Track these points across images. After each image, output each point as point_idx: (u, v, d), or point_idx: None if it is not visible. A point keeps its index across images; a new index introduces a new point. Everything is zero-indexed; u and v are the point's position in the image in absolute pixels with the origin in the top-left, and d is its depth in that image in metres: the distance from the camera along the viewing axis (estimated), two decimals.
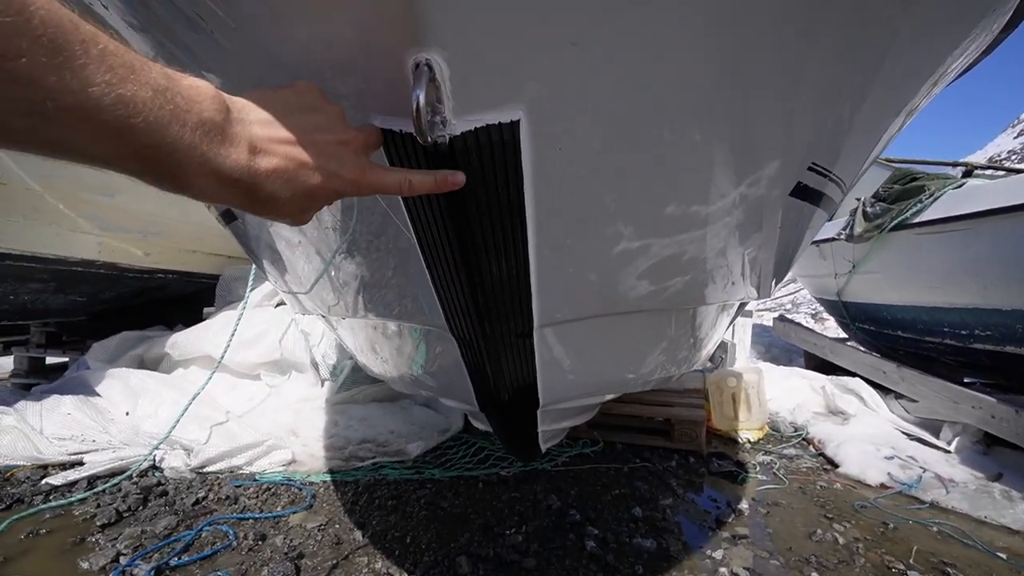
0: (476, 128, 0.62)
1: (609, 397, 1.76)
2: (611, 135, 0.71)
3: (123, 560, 1.90)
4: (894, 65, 0.97)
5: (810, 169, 1.11)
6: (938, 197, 3.26)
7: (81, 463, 2.66)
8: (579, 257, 0.90)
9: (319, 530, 2.18)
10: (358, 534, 2.16)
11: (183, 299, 4.47)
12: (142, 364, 3.67)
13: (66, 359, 4.31)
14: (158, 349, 3.56)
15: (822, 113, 0.95)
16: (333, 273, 1.18)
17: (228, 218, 1.58)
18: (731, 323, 2.14)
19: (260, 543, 2.06)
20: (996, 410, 2.92)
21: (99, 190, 3.05)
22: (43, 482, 2.49)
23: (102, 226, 3.25)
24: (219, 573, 1.83)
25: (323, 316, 1.74)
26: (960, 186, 3.26)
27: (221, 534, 2.11)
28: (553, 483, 2.72)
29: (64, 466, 2.66)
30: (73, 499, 2.36)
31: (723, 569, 1.98)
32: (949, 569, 2.04)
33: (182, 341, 3.45)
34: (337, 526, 2.23)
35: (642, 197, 0.84)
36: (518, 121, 0.63)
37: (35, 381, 3.89)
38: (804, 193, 1.22)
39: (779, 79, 0.78)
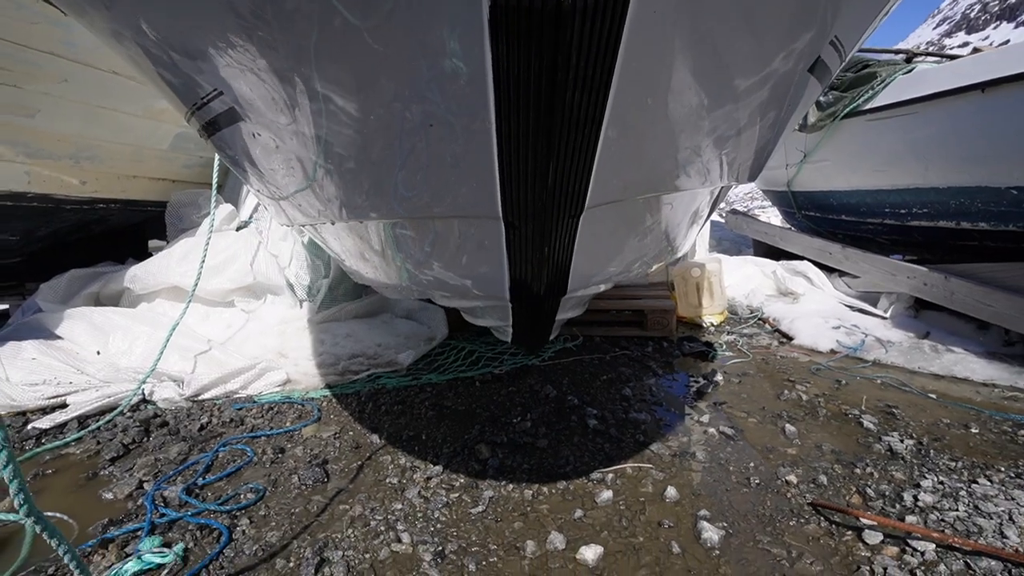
0: None
1: (615, 282, 1.84)
2: (697, 4, 0.71)
3: (147, 487, 1.91)
4: None
5: (830, 43, 1.14)
6: (889, 82, 3.41)
7: (64, 405, 2.56)
8: (639, 134, 0.91)
9: (335, 438, 2.25)
10: (374, 437, 2.25)
11: (129, 231, 4.11)
12: (98, 302, 3.45)
13: (5, 306, 3.99)
14: (115, 285, 3.34)
15: None
16: (359, 168, 1.14)
17: (211, 129, 1.46)
18: (717, 204, 2.24)
19: (280, 455, 2.12)
20: (928, 278, 3.28)
21: (16, 109, 2.66)
22: (28, 427, 2.40)
23: (27, 152, 2.87)
24: (251, 485, 1.89)
25: (315, 224, 1.69)
26: (910, 71, 3.40)
27: (239, 452, 2.15)
28: (545, 376, 2.89)
29: (45, 411, 2.56)
30: (68, 439, 2.30)
31: (711, 430, 2.23)
32: (894, 410, 2.39)
33: (142, 274, 3.25)
34: (351, 433, 2.31)
35: (707, 71, 0.85)
36: None
37: None
38: (815, 68, 1.26)
39: None
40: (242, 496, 1.84)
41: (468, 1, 0.63)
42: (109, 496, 1.88)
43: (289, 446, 2.20)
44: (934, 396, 2.56)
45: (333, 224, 1.54)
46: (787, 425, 2.24)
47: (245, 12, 0.82)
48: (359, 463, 2.05)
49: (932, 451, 2.02)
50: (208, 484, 1.94)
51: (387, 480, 1.92)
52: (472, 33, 0.66)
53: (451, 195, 1.06)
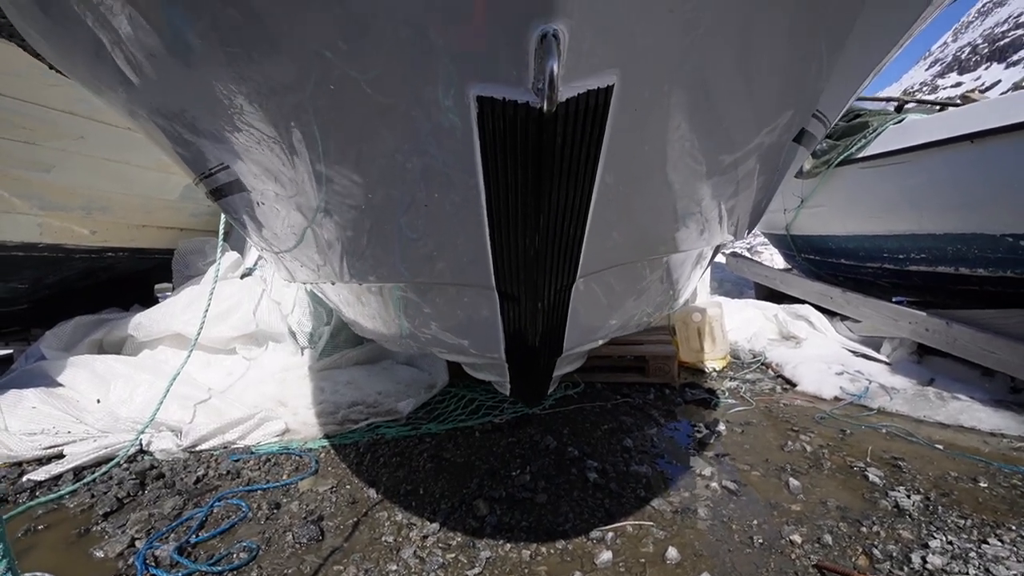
0: (579, 94, 0.64)
1: (613, 337, 1.85)
2: (679, 94, 0.75)
3: (139, 544, 1.88)
4: (883, 18, 1.05)
5: (814, 116, 1.19)
6: (880, 132, 3.49)
7: (61, 455, 2.55)
8: (626, 210, 0.94)
9: (332, 492, 2.22)
10: (371, 492, 2.22)
11: (134, 277, 4.18)
12: (101, 349, 3.48)
13: (9, 351, 4.02)
14: (119, 332, 3.37)
15: (834, 62, 1.01)
16: (357, 239, 1.18)
17: (217, 195, 1.51)
18: (711, 261, 2.27)
19: (276, 511, 2.09)
20: (929, 323, 3.27)
21: (31, 165, 2.76)
22: (23, 479, 2.38)
23: (40, 205, 2.96)
24: (244, 543, 1.86)
25: (319, 284, 1.72)
26: (900, 121, 3.50)
27: (233, 508, 2.12)
28: (545, 425, 2.86)
29: (41, 461, 2.55)
30: (63, 492, 2.28)
31: (714, 484, 2.19)
32: (900, 462, 2.34)
33: (146, 322, 3.28)
34: (348, 486, 2.28)
35: (691, 149, 0.89)
36: (612, 85, 0.66)
37: None
38: (801, 137, 1.30)
39: (814, 36, 0.83)
40: (235, 555, 1.80)
41: (457, 103, 0.67)
42: (100, 555, 1.85)
43: (285, 501, 2.17)
44: (941, 447, 2.51)
45: (333, 284, 1.57)
46: (791, 479, 2.19)
47: (251, 105, 0.87)
48: (355, 519, 2.02)
49: (940, 507, 1.98)
50: (201, 542, 1.91)
51: (383, 538, 1.88)
52: (462, 132, 0.70)
53: (447, 266, 1.09)
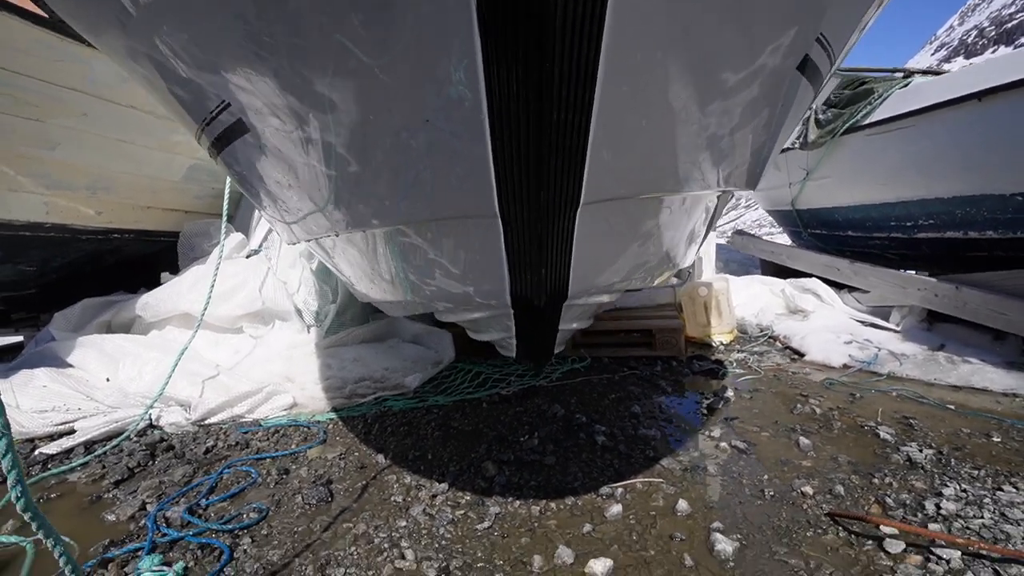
0: None
1: (617, 293, 1.83)
2: (677, 13, 0.73)
3: (150, 508, 1.89)
4: None
5: (817, 40, 1.17)
6: (886, 97, 3.45)
7: (72, 431, 2.57)
8: (628, 130, 0.93)
9: (340, 459, 2.23)
10: (379, 458, 2.22)
11: (141, 261, 4.19)
12: (110, 330, 3.49)
13: (19, 338, 4.05)
14: (126, 313, 3.39)
15: None
16: (359, 174, 1.17)
17: (219, 145, 1.51)
18: (717, 217, 2.24)
19: (285, 476, 2.10)
20: (939, 289, 3.24)
21: (38, 143, 2.77)
22: (35, 453, 2.40)
23: (46, 183, 2.97)
24: (254, 505, 1.87)
25: (321, 239, 1.71)
26: (906, 85, 3.45)
27: (243, 474, 2.13)
28: (553, 396, 2.86)
29: (52, 437, 2.57)
30: (75, 464, 2.30)
31: (723, 444, 2.18)
32: (911, 421, 2.32)
33: (153, 302, 3.29)
34: (356, 453, 2.28)
35: (692, 67, 0.87)
36: None
37: None
38: (805, 67, 1.28)
39: None
40: (245, 516, 1.81)
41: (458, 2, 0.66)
42: (111, 518, 1.86)
43: (294, 467, 2.18)
44: (952, 407, 2.49)
45: (337, 235, 1.56)
46: (801, 438, 2.18)
47: (254, 28, 0.86)
48: (364, 483, 2.02)
49: (953, 460, 1.96)
50: (211, 505, 1.92)
51: (392, 499, 1.89)
52: (465, 45, 0.69)
53: (449, 196, 1.08)
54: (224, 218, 2.75)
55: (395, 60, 0.83)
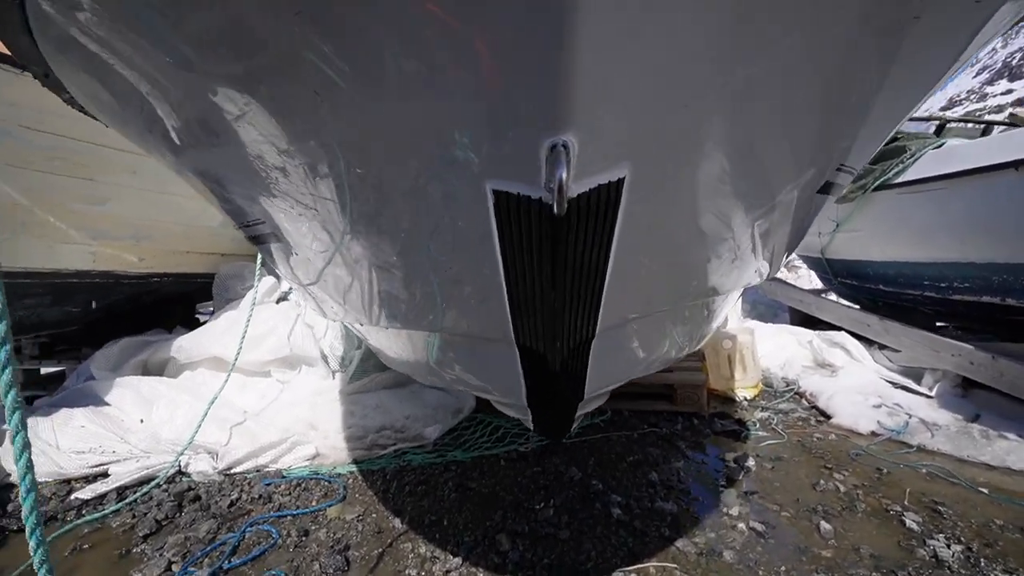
0: (589, 189, 0.67)
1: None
2: (691, 173, 0.77)
3: (175, 569, 1.96)
4: (920, 63, 1.04)
5: (838, 169, 1.19)
6: (918, 157, 3.40)
7: (106, 475, 2.68)
8: (643, 276, 0.96)
9: (358, 521, 2.27)
10: (396, 521, 2.25)
11: (177, 299, 4.39)
12: (146, 370, 3.65)
13: (62, 368, 4.25)
14: (162, 354, 3.54)
15: (859, 122, 1.01)
16: (393, 290, 1.22)
17: (256, 242, 1.59)
18: (740, 296, 2.24)
19: (304, 538, 2.15)
20: (974, 356, 3.14)
21: (89, 199, 2.96)
22: (71, 497, 2.51)
23: (93, 235, 3.16)
24: (273, 572, 1.92)
25: (347, 322, 1.78)
26: (939, 146, 3.39)
27: (264, 534, 2.19)
28: (570, 454, 2.85)
29: (88, 479, 2.68)
30: (107, 511, 2.39)
31: (741, 524, 2.15)
32: (940, 507, 2.25)
33: (187, 345, 3.43)
34: (374, 515, 2.32)
35: (705, 219, 0.91)
36: (624, 178, 0.68)
37: (32, 394, 3.83)
38: (826, 188, 1.30)
39: (833, 98, 0.84)
40: None
41: (475, 192, 0.71)
42: None
43: (313, 528, 2.23)
44: (985, 491, 2.39)
45: (362, 326, 1.63)
46: (822, 522, 2.13)
47: (287, 178, 0.93)
48: (380, 550, 2.06)
49: (983, 560, 1.88)
50: (233, 568, 1.97)
51: (406, 572, 1.91)
52: (482, 217, 0.74)
53: (469, 323, 1.13)
54: (258, 265, 2.87)
55: (425, 223, 0.88)
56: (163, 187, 3.25)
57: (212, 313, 3.94)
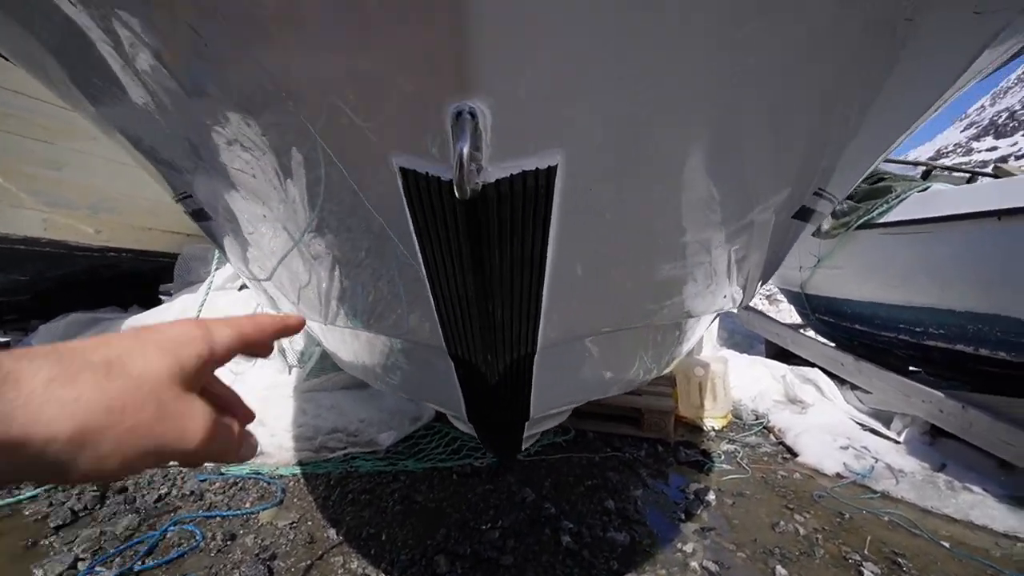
0: (512, 175, 0.57)
1: (594, 396, 1.75)
2: (642, 171, 0.68)
3: (81, 566, 1.81)
4: (908, 87, 0.96)
5: (815, 194, 1.10)
6: (904, 199, 3.37)
7: None
8: (589, 288, 0.86)
9: (291, 528, 2.13)
10: (332, 532, 2.12)
11: (138, 277, 4.20)
12: None
13: (7, 339, 4.04)
14: (111, 333, 3.36)
15: (837, 140, 0.93)
16: (321, 281, 1.11)
17: (195, 218, 1.47)
18: (710, 324, 2.17)
19: (229, 543, 2.00)
20: (944, 405, 3.09)
21: (45, 163, 2.80)
22: None
23: (47, 201, 2.99)
24: None
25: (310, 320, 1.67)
26: (925, 189, 3.38)
27: (187, 534, 2.03)
28: (527, 474, 2.74)
29: None
30: (22, 497, 2.22)
31: (693, 563, 2.04)
32: (900, 559, 2.17)
33: (137, 326, 3.26)
34: (310, 523, 2.18)
35: (660, 228, 0.81)
36: (555, 166, 0.59)
37: None
38: (803, 214, 1.22)
39: (808, 115, 0.76)
40: None
41: (383, 169, 0.60)
42: (39, 573, 1.77)
43: (241, 532, 2.08)
44: (947, 544, 2.32)
45: (310, 320, 1.51)
46: (779, 566, 2.04)
47: (204, 147, 0.82)
48: (308, 562, 1.92)
49: None
50: (146, 570, 1.82)
51: None
52: (394, 199, 0.64)
53: (399, 324, 1.02)
54: (215, 252, 2.72)
55: (337, 206, 0.77)
56: (127, 157, 3.09)
57: (172, 295, 3.76)
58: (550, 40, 0.47)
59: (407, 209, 0.63)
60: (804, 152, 0.85)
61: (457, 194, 0.50)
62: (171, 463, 0.40)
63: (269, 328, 0.48)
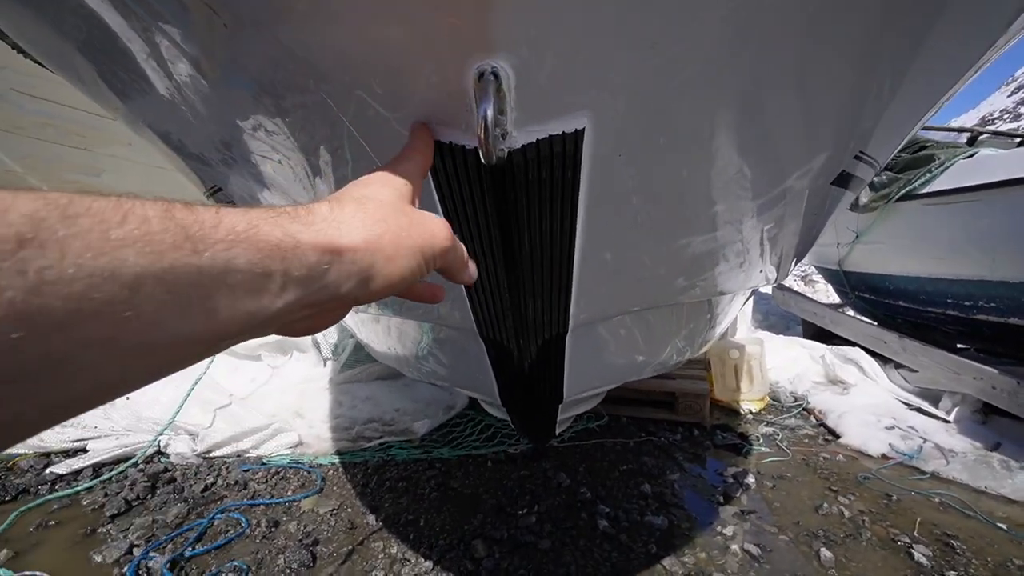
0: (538, 140, 0.55)
1: (629, 379, 1.73)
2: (676, 137, 0.65)
3: (136, 552, 1.89)
4: (950, 42, 0.90)
5: (855, 157, 1.05)
6: (948, 167, 3.20)
7: (85, 450, 2.62)
8: (621, 262, 0.84)
9: (332, 514, 2.18)
10: (371, 518, 2.16)
11: None
12: None
13: None
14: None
15: (878, 99, 0.88)
16: None
17: (215, 190, 1.50)
18: (746, 301, 2.11)
19: (273, 530, 2.06)
20: (997, 381, 2.95)
21: (84, 170, 2.91)
22: (47, 471, 2.46)
23: None
24: (235, 563, 1.83)
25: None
26: (971, 156, 3.20)
27: (233, 522, 2.10)
28: (561, 459, 2.73)
29: (67, 453, 2.63)
30: (80, 488, 2.33)
31: (734, 546, 2.01)
32: (952, 541, 2.08)
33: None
34: (349, 510, 2.23)
35: (695, 197, 0.78)
36: (583, 129, 0.57)
37: None
38: (843, 180, 1.16)
39: (845, 71, 0.71)
40: None
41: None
42: (98, 559, 1.86)
43: (285, 519, 2.14)
44: (1004, 526, 2.22)
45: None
46: (823, 549, 1.98)
47: (229, 137, 0.82)
48: (350, 547, 1.96)
49: None
50: (195, 556, 1.89)
51: (373, 573, 1.81)
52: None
53: (432, 309, 1.02)
54: None
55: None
56: (160, 160, 3.19)
57: None
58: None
59: (432, 183, 0.62)
60: (842, 113, 0.80)
61: (483, 159, 0.49)
62: (426, 275, 0.47)
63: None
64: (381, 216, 0.42)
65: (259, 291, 0.34)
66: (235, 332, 0.34)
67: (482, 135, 0.47)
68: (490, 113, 0.47)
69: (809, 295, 7.51)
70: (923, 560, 1.94)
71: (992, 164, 2.95)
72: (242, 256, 0.33)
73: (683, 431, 3.20)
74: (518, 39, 0.46)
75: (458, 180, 0.59)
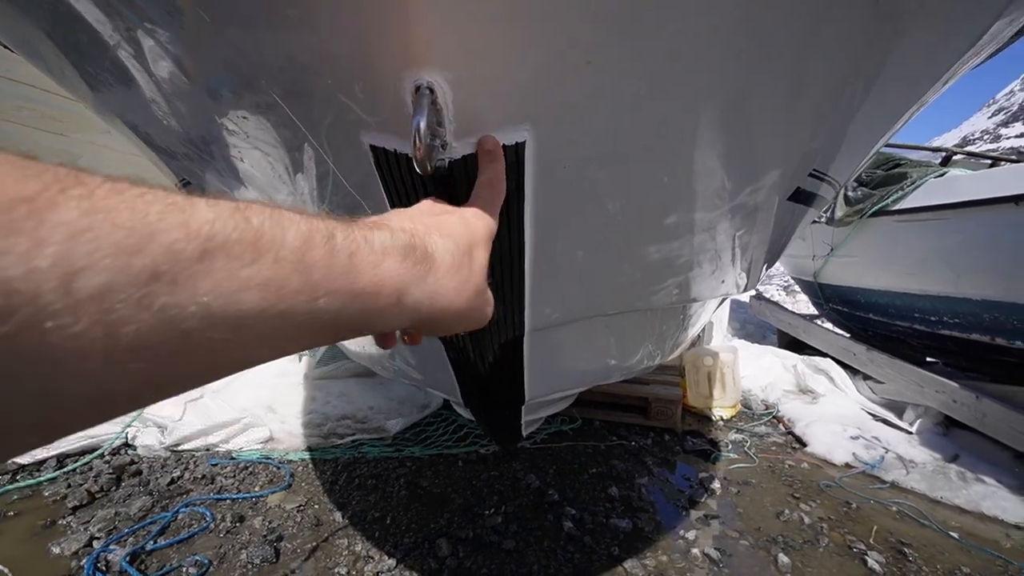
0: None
1: (592, 386, 1.76)
2: (619, 150, 0.67)
3: (96, 544, 1.87)
4: (906, 67, 0.94)
5: (810, 175, 1.09)
6: (919, 185, 3.30)
7: None
8: (573, 269, 0.86)
9: (298, 511, 2.17)
10: (338, 515, 2.16)
11: None
12: None
13: None
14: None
15: (829, 120, 0.92)
16: None
17: (184, 183, 1.49)
18: (716, 309, 2.15)
19: (238, 525, 2.05)
20: (958, 395, 3.04)
21: (62, 156, 2.86)
22: (8, 461, 2.41)
23: None
24: (197, 557, 1.82)
25: None
26: (942, 175, 3.29)
27: (198, 516, 2.09)
28: (532, 461, 2.76)
29: None
30: (42, 479, 2.30)
31: (695, 550, 2.05)
32: (906, 548, 2.14)
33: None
34: (316, 506, 2.22)
35: (643, 208, 0.81)
36: (524, 142, 0.59)
37: None
38: (800, 196, 1.20)
39: (789, 88, 0.74)
40: (184, 570, 1.76)
41: (355, 146, 0.61)
42: (56, 551, 1.84)
43: (250, 514, 2.13)
44: (956, 535, 2.29)
45: None
46: (781, 554, 2.03)
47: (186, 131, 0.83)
48: (314, 544, 1.96)
49: None
50: (157, 550, 1.88)
51: (335, 569, 1.81)
52: (367, 176, 0.64)
53: None
54: None
55: (315, 180, 0.78)
56: (138, 148, 3.15)
57: None
58: (506, 11, 0.47)
59: (383, 189, 0.64)
60: (787, 133, 0.84)
61: (418, 170, 0.51)
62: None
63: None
64: (474, 293, 0.44)
65: (348, 333, 0.35)
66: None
67: (415, 146, 0.49)
68: (423, 125, 0.48)
69: (791, 305, 7.64)
70: (876, 567, 1.99)
71: (960, 184, 3.04)
72: (353, 307, 0.33)
73: (655, 436, 3.24)
74: (447, 55, 0.48)
75: (404, 187, 0.61)
